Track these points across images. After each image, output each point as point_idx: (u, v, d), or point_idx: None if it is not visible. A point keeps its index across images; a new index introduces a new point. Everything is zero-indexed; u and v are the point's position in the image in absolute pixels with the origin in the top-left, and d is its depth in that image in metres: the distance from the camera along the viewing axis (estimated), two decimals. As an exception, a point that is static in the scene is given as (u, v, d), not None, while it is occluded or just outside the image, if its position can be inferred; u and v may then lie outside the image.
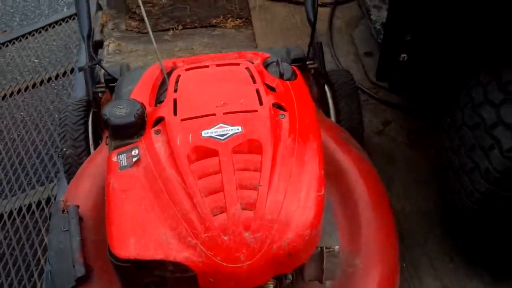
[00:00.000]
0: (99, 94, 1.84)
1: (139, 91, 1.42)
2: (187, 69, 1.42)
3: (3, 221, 2.25)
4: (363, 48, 2.77)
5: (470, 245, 1.75)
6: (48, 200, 2.29)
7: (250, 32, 3.10)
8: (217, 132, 1.27)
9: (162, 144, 1.28)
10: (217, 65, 1.43)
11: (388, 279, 1.42)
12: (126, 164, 1.28)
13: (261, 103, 1.33)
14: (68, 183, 1.94)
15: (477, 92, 1.55)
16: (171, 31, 3.13)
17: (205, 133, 1.27)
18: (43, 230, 2.16)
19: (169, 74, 1.44)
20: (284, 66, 1.46)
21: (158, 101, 1.41)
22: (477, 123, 1.52)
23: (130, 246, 1.17)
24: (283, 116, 1.32)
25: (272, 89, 1.39)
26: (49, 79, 3.01)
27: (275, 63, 1.49)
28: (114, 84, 1.90)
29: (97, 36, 3.14)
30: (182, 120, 1.30)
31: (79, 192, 1.72)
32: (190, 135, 1.26)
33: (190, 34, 3.13)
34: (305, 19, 1.90)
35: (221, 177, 1.20)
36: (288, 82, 1.45)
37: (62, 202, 1.66)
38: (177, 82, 1.39)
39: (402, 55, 1.73)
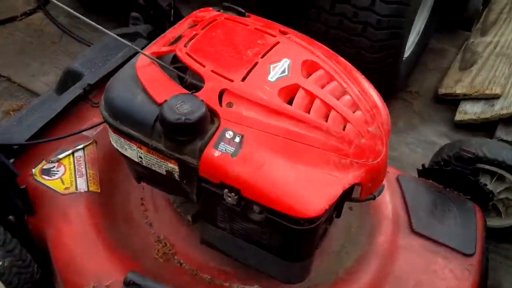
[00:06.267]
0: None
1: (160, 89, 1.21)
2: (191, 45, 1.28)
3: None
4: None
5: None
6: None
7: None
8: (277, 72, 1.26)
9: (247, 110, 1.19)
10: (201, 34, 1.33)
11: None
12: (234, 148, 1.14)
13: (272, 35, 1.35)
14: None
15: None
16: None
17: (271, 78, 1.24)
18: None
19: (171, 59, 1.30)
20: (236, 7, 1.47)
21: (188, 86, 1.25)
22: None
23: (313, 202, 1.13)
24: (291, 37, 1.39)
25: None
26: None
27: (221, 10, 1.48)
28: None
29: None
30: (242, 81, 1.22)
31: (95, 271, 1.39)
32: (264, 86, 1.22)
33: None
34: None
35: (319, 100, 1.23)
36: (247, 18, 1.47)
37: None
38: (191, 56, 1.25)
39: None
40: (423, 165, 1.76)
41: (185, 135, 1.15)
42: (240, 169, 1.13)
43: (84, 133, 1.62)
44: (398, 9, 1.90)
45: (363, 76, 1.40)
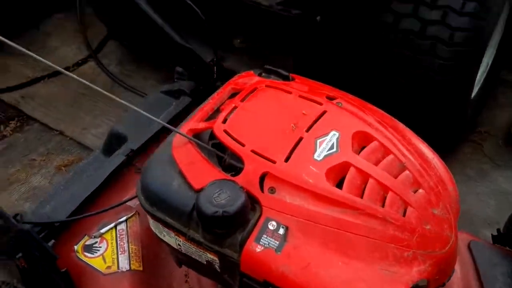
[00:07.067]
0: None
1: (197, 173, 1.11)
2: (229, 121, 1.18)
3: None
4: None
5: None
6: None
7: (38, 125, 2.57)
8: (324, 148, 1.13)
9: (291, 196, 1.06)
10: (240, 107, 1.23)
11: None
12: (278, 242, 1.02)
13: (318, 103, 1.23)
14: None
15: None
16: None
17: (318, 156, 1.11)
18: None
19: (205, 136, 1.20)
20: (279, 70, 1.36)
21: (227, 167, 1.15)
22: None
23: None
24: (340, 104, 1.26)
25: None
26: None
27: (263, 74, 1.37)
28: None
29: None
30: (285, 161, 1.10)
31: None
32: (310, 167, 1.09)
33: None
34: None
35: (374, 180, 1.09)
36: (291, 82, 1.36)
37: None
38: (229, 134, 1.15)
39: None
40: (498, 230, 1.56)
41: (224, 228, 1.05)
42: (286, 267, 1.01)
43: (127, 203, 1.55)
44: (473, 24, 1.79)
45: (425, 144, 1.25)
